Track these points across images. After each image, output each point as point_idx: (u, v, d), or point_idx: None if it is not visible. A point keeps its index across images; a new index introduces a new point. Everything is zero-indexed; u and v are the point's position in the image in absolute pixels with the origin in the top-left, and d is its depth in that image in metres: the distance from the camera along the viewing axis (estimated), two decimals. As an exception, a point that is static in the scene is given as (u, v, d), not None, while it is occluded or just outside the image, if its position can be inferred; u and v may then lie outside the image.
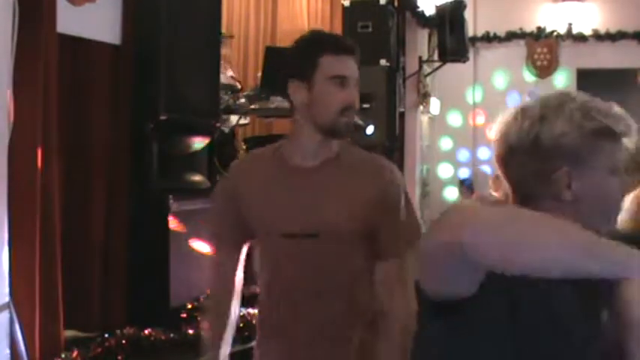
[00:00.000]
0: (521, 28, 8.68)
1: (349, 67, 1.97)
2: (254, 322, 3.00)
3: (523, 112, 1.27)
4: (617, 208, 1.29)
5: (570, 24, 8.58)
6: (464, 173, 8.52)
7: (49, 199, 2.59)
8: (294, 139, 2.04)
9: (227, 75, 5.98)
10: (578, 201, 1.24)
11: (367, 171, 2.04)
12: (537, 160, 1.25)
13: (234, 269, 2.13)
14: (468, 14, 7.19)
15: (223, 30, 6.21)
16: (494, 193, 6.80)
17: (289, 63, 2.03)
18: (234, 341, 2.94)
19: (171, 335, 2.87)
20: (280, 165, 2.03)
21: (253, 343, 2.84)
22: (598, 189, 1.24)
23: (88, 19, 3.01)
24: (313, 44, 2.01)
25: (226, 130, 5.61)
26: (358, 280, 2.03)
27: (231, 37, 6.29)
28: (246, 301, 3.30)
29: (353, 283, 2.02)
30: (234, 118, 5.59)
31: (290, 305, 2.02)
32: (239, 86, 5.78)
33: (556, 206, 1.24)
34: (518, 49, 8.77)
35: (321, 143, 2.00)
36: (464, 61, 7.16)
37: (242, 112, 5.41)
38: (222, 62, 5.99)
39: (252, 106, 5.48)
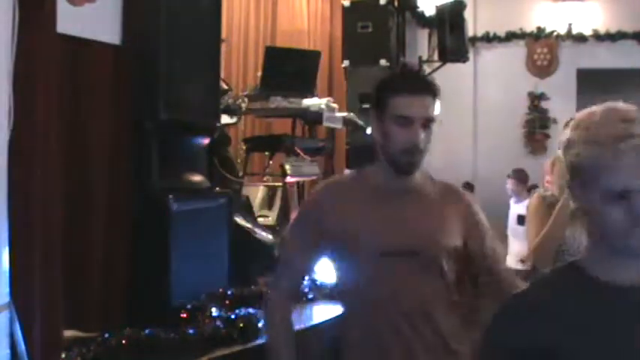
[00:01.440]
0: (521, 28, 8.70)
1: (417, 107, 2.04)
2: (254, 321, 3.01)
3: (571, 125, 1.40)
4: (618, 234, 1.31)
5: (570, 24, 8.60)
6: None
7: (49, 199, 2.59)
8: (378, 163, 2.16)
9: None
10: (591, 216, 1.37)
11: (449, 194, 2.21)
12: (566, 171, 1.40)
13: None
14: (467, 14, 7.19)
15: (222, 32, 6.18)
16: (548, 177, 6.88)
17: (373, 92, 2.13)
18: (234, 341, 2.95)
19: (172, 335, 2.87)
20: (368, 188, 2.14)
21: (253, 343, 2.85)
22: (595, 212, 1.34)
23: (88, 19, 3.00)
24: (390, 82, 2.12)
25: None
26: (438, 300, 2.12)
27: (223, 40, 6.27)
28: (246, 301, 3.31)
29: (434, 302, 2.11)
30: (222, 119, 5.54)
31: (385, 323, 2.08)
32: (226, 87, 5.75)
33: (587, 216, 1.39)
34: (518, 49, 8.79)
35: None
36: (464, 61, 7.16)
37: (242, 112, 5.40)
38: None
39: (252, 106, 5.47)
